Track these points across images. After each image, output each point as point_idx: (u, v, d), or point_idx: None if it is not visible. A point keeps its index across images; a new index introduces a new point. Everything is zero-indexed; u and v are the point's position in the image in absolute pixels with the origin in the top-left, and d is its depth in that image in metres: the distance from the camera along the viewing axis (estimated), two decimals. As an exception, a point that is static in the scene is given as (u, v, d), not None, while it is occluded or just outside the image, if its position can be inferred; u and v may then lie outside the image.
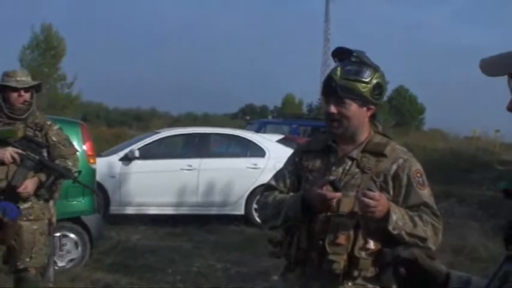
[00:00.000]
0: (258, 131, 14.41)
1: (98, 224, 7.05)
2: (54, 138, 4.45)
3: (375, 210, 2.28)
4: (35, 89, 4.50)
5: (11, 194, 4.21)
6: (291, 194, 2.54)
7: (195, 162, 9.94)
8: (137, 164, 9.79)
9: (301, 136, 16.44)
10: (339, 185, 2.36)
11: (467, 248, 6.69)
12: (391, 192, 2.44)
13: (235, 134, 10.95)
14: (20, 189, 4.22)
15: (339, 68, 2.47)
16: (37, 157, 4.30)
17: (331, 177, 2.38)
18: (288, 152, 9.40)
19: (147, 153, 9.91)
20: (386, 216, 2.31)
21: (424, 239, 2.37)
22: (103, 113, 44.44)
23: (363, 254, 2.38)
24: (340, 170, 2.49)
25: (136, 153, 9.81)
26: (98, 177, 8.94)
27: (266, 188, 2.67)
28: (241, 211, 9.97)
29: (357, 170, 2.47)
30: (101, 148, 10.84)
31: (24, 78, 4.41)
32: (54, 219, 4.67)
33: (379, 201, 2.29)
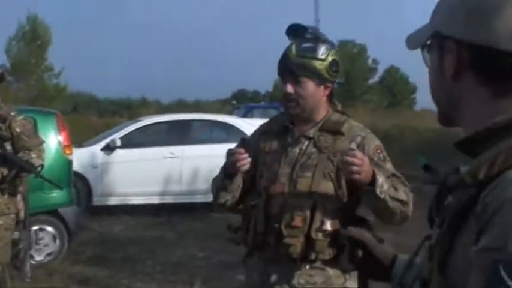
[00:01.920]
0: (244, 115, 14.30)
1: (76, 216, 6.92)
2: (17, 130, 4.31)
3: (360, 170, 2.18)
4: (-2, 79, 4.35)
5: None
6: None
7: (178, 149, 9.78)
8: (119, 154, 9.63)
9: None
10: (247, 142, 2.43)
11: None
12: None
13: (218, 119, 10.78)
14: None
15: (293, 46, 2.39)
16: (-1, 150, 4.15)
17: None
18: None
19: (128, 142, 9.76)
20: (372, 179, 2.22)
21: (405, 203, 2.33)
22: (93, 103, 44.16)
23: (320, 235, 2.33)
24: (297, 150, 2.44)
25: (118, 142, 9.65)
26: (80, 168, 8.84)
27: (220, 169, 2.54)
28: (226, 198, 9.83)
29: (314, 149, 2.41)
30: (91, 138, 10.69)
31: (-14, 70, 4.25)
32: (21, 214, 4.54)
33: (362, 160, 2.19)
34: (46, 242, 6.61)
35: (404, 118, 24.27)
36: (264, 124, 2.66)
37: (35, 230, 6.33)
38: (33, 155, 4.32)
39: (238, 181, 2.43)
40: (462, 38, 0.96)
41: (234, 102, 24.37)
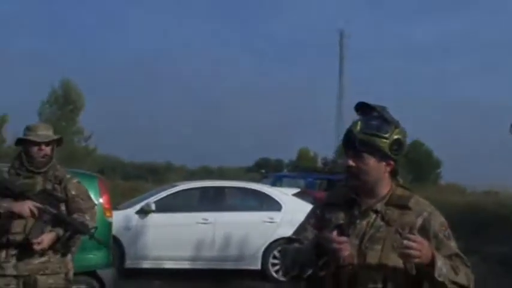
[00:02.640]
0: (273, 184, 14.42)
1: (113, 278, 7.00)
2: (73, 192, 4.46)
3: (420, 254, 2.23)
4: (56, 142, 4.56)
5: (27, 247, 4.22)
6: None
7: (210, 215, 9.92)
8: (153, 217, 9.79)
9: (317, 190, 16.40)
10: (346, 229, 2.35)
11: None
12: None
13: (251, 187, 10.95)
14: (35, 244, 4.21)
15: (359, 122, 2.49)
16: (55, 211, 4.31)
17: (340, 222, 2.40)
18: (304, 205, 9.52)
19: (163, 206, 9.92)
20: (432, 262, 2.26)
21: (465, 287, 2.36)
22: (119, 166, 44.61)
23: None
24: (364, 223, 2.47)
25: (153, 206, 9.83)
26: (114, 231, 8.96)
27: (286, 241, 2.64)
28: (257, 266, 9.88)
29: (382, 223, 2.45)
30: (117, 201, 10.86)
31: (45, 132, 4.46)
32: (71, 274, 4.65)
33: (422, 244, 2.24)
34: (84, 302, 6.69)
35: (430, 192, 24.15)
36: (329, 195, 2.76)
37: (74, 291, 6.43)
38: (87, 217, 4.45)
39: None
40: None
41: (263, 170, 24.51)
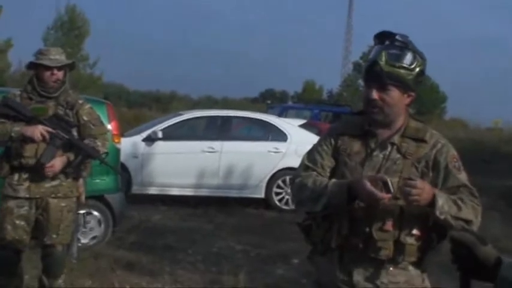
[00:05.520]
0: (279, 115, 14.42)
1: (120, 202, 7.13)
2: (85, 117, 4.49)
3: (419, 198, 2.27)
4: (68, 67, 4.55)
5: (39, 171, 4.29)
6: (333, 180, 2.45)
7: (217, 144, 9.99)
8: (160, 145, 9.87)
9: (322, 121, 16.41)
10: (391, 188, 2.28)
11: (489, 238, 6.66)
12: (431, 176, 2.43)
13: (258, 117, 10.95)
14: (47, 167, 4.28)
15: (383, 53, 2.39)
16: (66, 136, 4.35)
17: (385, 177, 2.31)
18: (310, 136, 9.58)
19: (169, 135, 9.98)
20: (432, 202, 2.30)
21: (469, 221, 2.36)
22: (124, 94, 44.56)
23: (409, 239, 2.39)
24: (381, 155, 2.46)
25: (159, 134, 9.89)
26: (121, 157, 9.05)
27: (302, 168, 2.56)
28: (261, 194, 10.03)
29: (398, 155, 2.44)
30: (122, 129, 10.88)
31: (57, 57, 4.44)
32: (83, 197, 4.76)
33: (422, 189, 2.27)
34: (92, 226, 6.84)
35: (433, 127, 24.15)
36: (338, 125, 2.68)
37: (83, 214, 6.57)
38: (99, 143, 4.49)
39: None
40: None
41: (269, 101, 24.45)
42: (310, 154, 2.61)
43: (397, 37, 2.42)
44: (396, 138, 2.48)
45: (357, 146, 2.51)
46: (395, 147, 2.47)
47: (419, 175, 2.41)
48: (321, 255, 2.52)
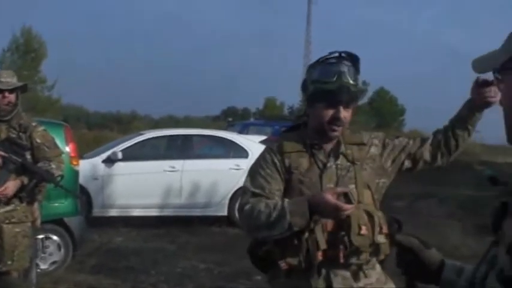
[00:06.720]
0: (240, 132, 14.40)
1: (80, 226, 7.02)
2: (38, 140, 4.43)
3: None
4: (20, 90, 4.48)
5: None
6: (286, 200, 2.42)
7: (178, 163, 9.94)
8: (120, 166, 9.77)
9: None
10: (351, 198, 2.38)
11: (449, 246, 6.77)
12: (386, 155, 2.62)
13: (218, 135, 10.96)
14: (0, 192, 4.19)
15: (347, 74, 2.45)
16: (19, 160, 4.28)
17: (344, 189, 2.38)
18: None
19: (130, 155, 9.90)
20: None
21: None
22: (83, 116, 44.13)
23: (380, 238, 2.45)
24: (334, 166, 2.52)
25: (119, 155, 9.80)
26: (81, 180, 8.92)
27: (250, 195, 2.49)
28: (224, 212, 9.99)
29: (348, 163, 2.54)
30: (82, 151, 10.76)
31: (9, 80, 4.38)
32: (38, 222, 4.66)
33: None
34: (51, 250, 6.71)
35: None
36: (279, 145, 2.61)
37: (41, 239, 6.45)
38: (53, 165, 4.43)
39: None
40: None
41: (230, 119, 24.45)
42: (254, 180, 2.54)
43: (358, 59, 2.52)
44: (342, 148, 2.56)
45: (305, 161, 2.53)
46: (342, 155, 2.55)
47: (368, 176, 2.54)
48: (286, 276, 2.48)
